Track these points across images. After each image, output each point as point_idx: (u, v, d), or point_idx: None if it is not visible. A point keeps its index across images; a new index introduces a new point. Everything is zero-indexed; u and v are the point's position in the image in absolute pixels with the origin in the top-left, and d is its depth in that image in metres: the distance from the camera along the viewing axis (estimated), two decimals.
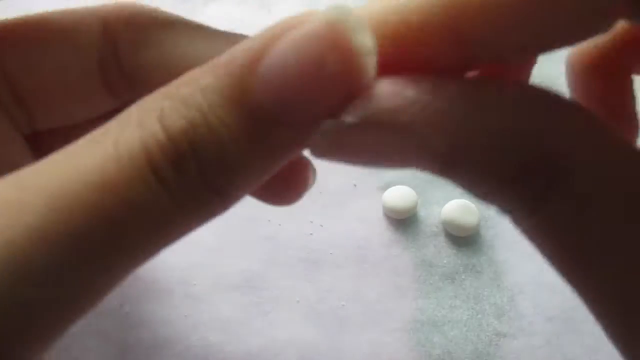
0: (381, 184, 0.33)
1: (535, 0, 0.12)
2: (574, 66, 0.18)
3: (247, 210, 0.32)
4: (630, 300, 0.12)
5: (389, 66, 0.13)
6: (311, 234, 0.31)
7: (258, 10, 0.38)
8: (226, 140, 0.13)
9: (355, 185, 0.33)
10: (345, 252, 0.30)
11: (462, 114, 0.12)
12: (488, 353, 0.27)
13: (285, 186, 0.20)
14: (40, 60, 0.19)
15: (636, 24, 0.13)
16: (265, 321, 0.28)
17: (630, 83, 0.18)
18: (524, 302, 0.29)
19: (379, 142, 0.12)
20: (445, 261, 0.30)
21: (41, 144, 0.20)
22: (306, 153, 0.14)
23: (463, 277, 0.30)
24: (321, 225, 0.31)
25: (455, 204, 0.31)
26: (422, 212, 0.32)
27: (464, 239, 0.31)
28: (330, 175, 0.33)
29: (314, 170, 0.20)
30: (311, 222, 0.31)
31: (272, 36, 0.13)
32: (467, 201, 0.31)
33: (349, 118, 0.12)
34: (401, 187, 0.32)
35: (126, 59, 0.19)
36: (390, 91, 0.12)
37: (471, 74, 0.15)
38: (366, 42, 0.12)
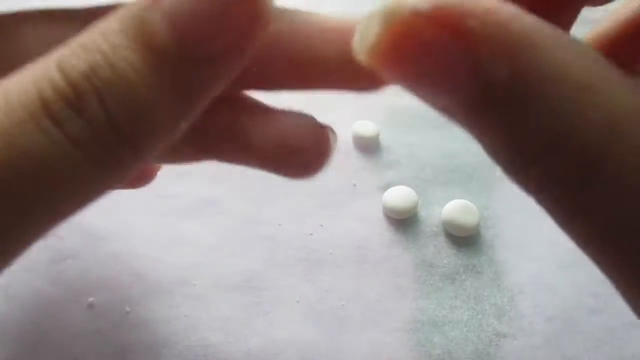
0: (381, 184, 0.33)
1: None
2: None
3: (247, 210, 0.32)
4: None
5: None
6: (311, 234, 0.31)
7: None
8: (135, 83, 0.12)
9: (355, 185, 0.33)
10: (345, 252, 0.30)
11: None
12: (488, 353, 0.27)
13: (305, 154, 0.19)
14: None
15: None
16: (265, 321, 0.28)
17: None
18: (524, 302, 0.29)
19: (437, 50, 0.11)
20: (445, 261, 0.30)
21: None
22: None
23: (463, 277, 0.30)
24: (321, 225, 0.31)
25: (456, 204, 0.31)
26: (422, 212, 0.32)
27: (464, 239, 0.31)
28: (330, 175, 0.33)
29: (335, 134, 0.19)
30: (311, 222, 0.31)
31: None
32: (467, 201, 0.31)
33: (421, 3, 0.11)
34: (401, 187, 0.32)
35: None
36: None
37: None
38: None
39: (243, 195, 0.32)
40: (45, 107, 0.12)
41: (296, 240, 0.31)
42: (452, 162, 0.34)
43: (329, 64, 0.17)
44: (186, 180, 0.32)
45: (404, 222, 0.32)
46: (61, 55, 0.12)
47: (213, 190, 0.32)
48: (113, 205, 0.31)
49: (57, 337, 0.27)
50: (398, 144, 0.35)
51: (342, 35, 0.16)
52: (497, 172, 0.33)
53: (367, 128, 0.35)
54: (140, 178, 0.26)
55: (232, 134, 0.18)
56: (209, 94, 0.13)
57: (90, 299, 0.28)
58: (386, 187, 0.32)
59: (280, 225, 0.31)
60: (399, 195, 0.32)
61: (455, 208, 0.31)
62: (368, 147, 0.35)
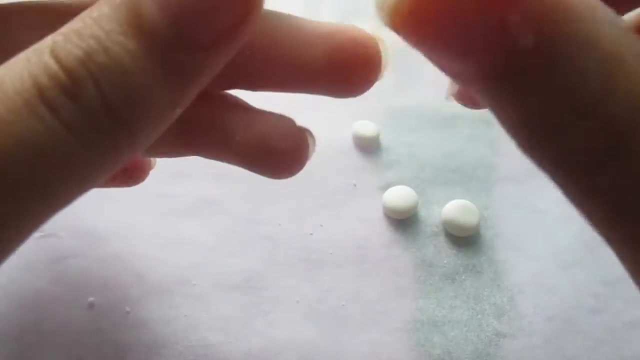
0: (381, 184, 0.33)
1: None
2: None
3: (247, 210, 0.32)
4: None
5: None
6: (311, 234, 0.31)
7: None
8: (130, 68, 0.12)
9: (355, 185, 0.33)
10: (345, 252, 0.30)
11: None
12: (488, 353, 0.27)
13: (285, 155, 0.19)
14: None
15: None
16: (265, 321, 0.28)
17: None
18: (524, 302, 0.29)
19: (461, 13, 0.11)
20: (445, 261, 0.30)
21: None
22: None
23: (463, 277, 0.30)
24: (321, 225, 0.31)
25: (456, 204, 0.31)
26: (422, 212, 0.32)
27: (464, 239, 0.31)
28: (330, 175, 0.33)
29: (314, 138, 0.20)
30: (311, 222, 0.31)
31: None
32: (467, 201, 0.31)
33: None
34: (401, 187, 0.32)
35: None
36: None
37: None
38: None
39: (243, 195, 0.32)
40: (41, 93, 0.12)
41: (296, 240, 0.31)
42: (452, 162, 0.34)
43: (312, 67, 0.17)
44: (186, 180, 0.32)
45: (404, 222, 0.32)
46: (55, 42, 0.12)
47: (213, 190, 0.32)
48: (113, 205, 0.31)
49: (57, 337, 0.27)
50: (398, 144, 0.35)
51: (326, 39, 0.17)
52: (497, 172, 0.33)
53: (367, 128, 0.35)
54: (133, 176, 0.26)
55: (215, 130, 0.19)
56: (202, 79, 0.13)
57: (90, 299, 0.28)
58: (386, 187, 0.32)
59: (280, 225, 0.31)
60: (399, 195, 0.32)
61: (455, 208, 0.31)
62: (368, 147, 0.35)
